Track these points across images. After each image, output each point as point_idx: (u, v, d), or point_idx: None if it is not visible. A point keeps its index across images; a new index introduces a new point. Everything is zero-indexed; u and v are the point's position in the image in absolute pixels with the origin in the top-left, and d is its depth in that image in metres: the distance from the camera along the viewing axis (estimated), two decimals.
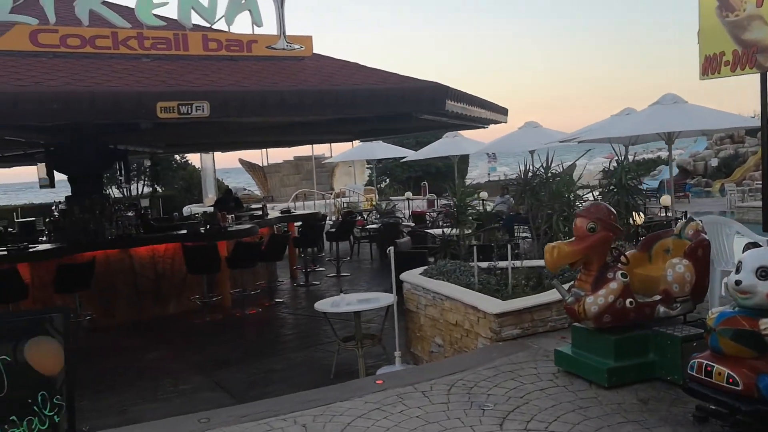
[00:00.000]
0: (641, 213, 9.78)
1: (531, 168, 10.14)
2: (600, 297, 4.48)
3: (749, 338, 3.48)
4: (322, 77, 7.92)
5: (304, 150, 28.50)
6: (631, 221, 9.62)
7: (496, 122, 12.01)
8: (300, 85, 7.44)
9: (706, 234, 4.80)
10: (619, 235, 4.60)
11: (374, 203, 19.50)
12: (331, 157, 24.76)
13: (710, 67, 4.84)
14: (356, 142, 19.20)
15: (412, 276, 7.00)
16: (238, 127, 10.09)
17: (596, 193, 10.00)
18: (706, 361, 3.61)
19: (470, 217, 9.74)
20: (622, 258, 4.69)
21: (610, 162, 16.11)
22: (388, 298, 6.78)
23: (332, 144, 24.49)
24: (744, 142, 31.10)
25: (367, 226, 14.80)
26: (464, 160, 30.72)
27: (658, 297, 4.59)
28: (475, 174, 41.41)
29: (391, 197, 23.59)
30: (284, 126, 10.90)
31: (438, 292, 6.34)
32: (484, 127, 14.22)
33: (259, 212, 12.11)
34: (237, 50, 8.16)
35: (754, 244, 3.84)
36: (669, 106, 10.04)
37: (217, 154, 24.90)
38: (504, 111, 12.08)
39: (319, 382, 6.04)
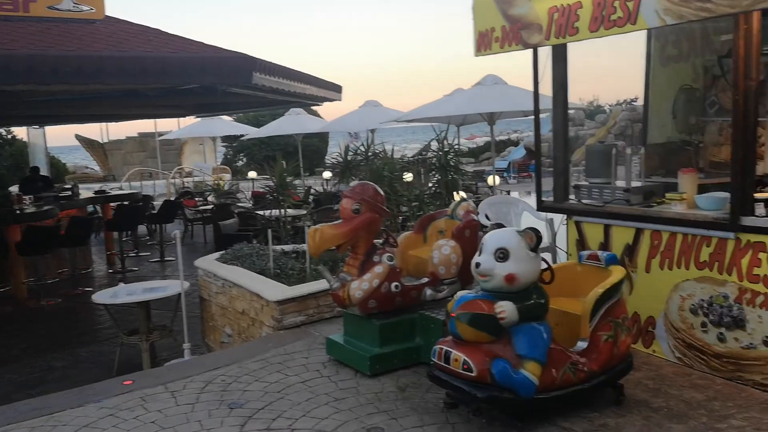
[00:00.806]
0: (460, 192, 9.85)
1: (353, 147, 9.94)
2: (365, 282, 4.25)
3: (486, 322, 3.34)
4: (112, 43, 7.17)
5: (148, 126, 26.85)
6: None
7: (329, 99, 11.69)
8: (80, 51, 6.66)
9: (477, 214, 4.71)
10: (386, 216, 4.40)
11: (222, 184, 18.66)
12: (170, 132, 23.34)
13: (483, 43, 4.72)
14: (193, 119, 18.19)
15: (206, 262, 6.53)
16: (29, 98, 9.03)
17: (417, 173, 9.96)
18: (445, 347, 3.45)
19: (290, 198, 9.40)
20: (391, 240, 4.50)
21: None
22: (178, 286, 6.26)
23: (180, 120, 23.20)
24: (584, 125, 33.03)
25: (200, 207, 14.04)
26: (324, 138, 30.34)
27: (425, 280, 4.45)
28: (337, 152, 41.17)
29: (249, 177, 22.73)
30: (101, 97, 9.94)
31: (226, 278, 5.92)
32: (318, 105, 13.81)
33: (69, 192, 11.03)
34: (10, 9, 7.19)
35: (499, 225, 3.74)
36: (490, 87, 10.17)
37: (55, 129, 22.86)
38: (337, 88, 11.77)
39: (100, 380, 5.45)
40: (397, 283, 4.30)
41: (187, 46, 7.69)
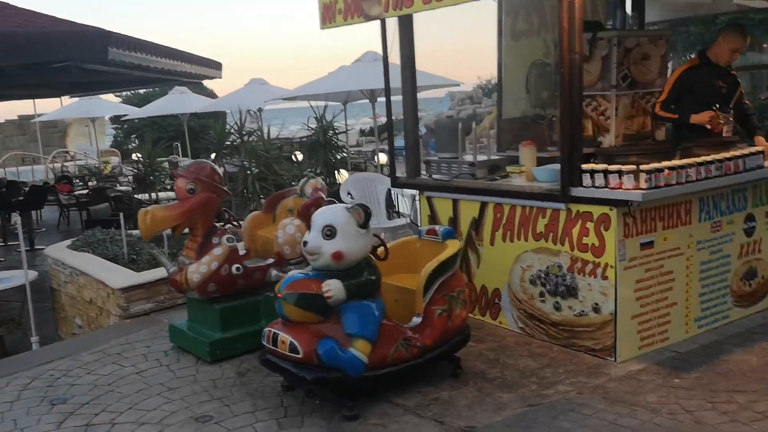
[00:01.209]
0: (342, 171, 9.76)
1: (248, 127, 9.63)
2: (203, 265, 4.07)
3: (312, 302, 3.25)
4: None
5: (28, 107, 25.11)
6: (336, 179, 9.57)
7: (207, 77, 11.24)
8: None
9: (325, 191, 4.61)
10: (223, 196, 4.22)
11: (106, 167, 17.73)
12: (42, 115, 21.89)
13: (328, 16, 4.59)
14: (70, 99, 17.15)
15: (56, 249, 6.13)
16: None
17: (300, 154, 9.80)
18: (273, 330, 3.34)
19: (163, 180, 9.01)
20: (233, 221, 4.34)
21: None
22: (23, 276, 5.83)
23: (62, 99, 21.81)
24: (482, 103, 33.65)
25: (75, 193, 13.27)
26: (222, 118, 29.41)
27: (271, 260, 4.32)
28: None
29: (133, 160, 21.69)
30: None
31: (74, 266, 5.58)
32: (198, 82, 13.29)
33: None
34: None
35: (330, 201, 3.65)
36: (370, 63, 10.07)
37: None
38: (216, 65, 11.30)
39: None
40: (238, 265, 4.15)
41: (36, 19, 7.14)
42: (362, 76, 9.82)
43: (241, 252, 4.22)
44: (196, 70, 10.37)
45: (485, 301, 4.56)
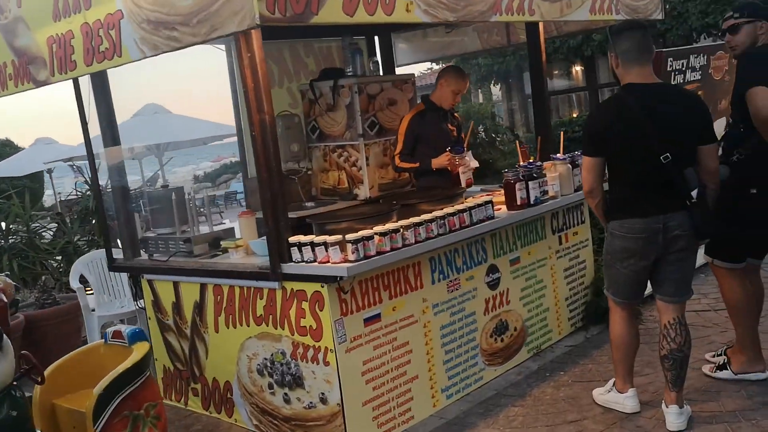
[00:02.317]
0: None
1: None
2: None
3: None
4: None
5: None
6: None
7: None
8: None
9: (9, 293, 3.82)
10: None
11: None
12: None
13: None
14: None
15: None
16: None
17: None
18: None
19: None
20: None
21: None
22: None
23: None
24: None
25: None
26: (38, 178, 26.98)
27: None
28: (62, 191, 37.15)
29: None
30: None
31: None
32: None
33: None
34: None
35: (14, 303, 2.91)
36: (150, 117, 9.33)
37: None
38: None
39: None
40: None
41: None
42: (141, 130, 9.05)
43: None
44: None
45: (218, 396, 3.96)
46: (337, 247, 3.24)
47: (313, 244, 3.29)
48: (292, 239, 3.37)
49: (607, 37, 3.15)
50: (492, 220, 3.92)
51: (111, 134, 4.14)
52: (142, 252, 4.26)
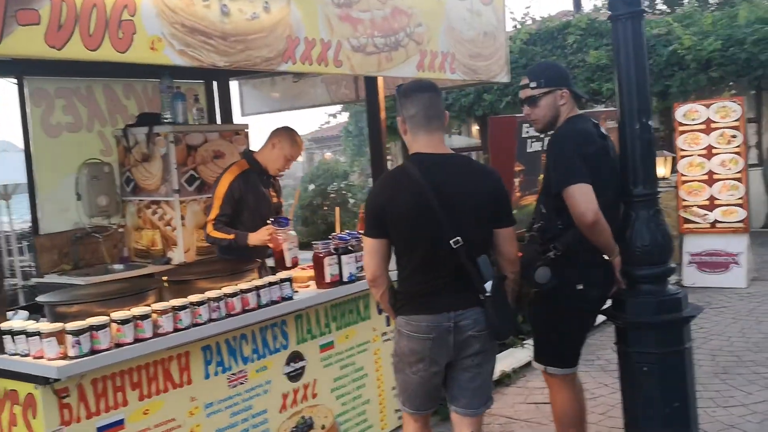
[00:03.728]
0: None
1: None
2: None
3: None
4: None
5: None
6: None
7: None
8: None
9: None
10: None
11: None
12: None
13: None
14: None
15: None
16: None
17: None
18: None
19: None
20: None
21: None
22: None
23: None
24: None
25: None
26: None
27: None
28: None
29: None
30: None
31: None
32: None
33: None
34: None
35: None
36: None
37: None
38: None
39: None
40: None
41: None
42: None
43: None
44: None
45: None
46: (54, 338, 2.55)
47: (27, 334, 2.59)
48: (5, 326, 2.66)
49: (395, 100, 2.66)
50: (289, 302, 3.31)
51: None
52: None
